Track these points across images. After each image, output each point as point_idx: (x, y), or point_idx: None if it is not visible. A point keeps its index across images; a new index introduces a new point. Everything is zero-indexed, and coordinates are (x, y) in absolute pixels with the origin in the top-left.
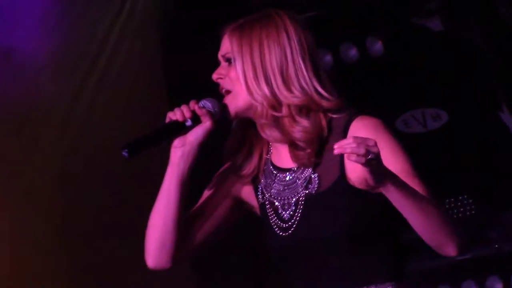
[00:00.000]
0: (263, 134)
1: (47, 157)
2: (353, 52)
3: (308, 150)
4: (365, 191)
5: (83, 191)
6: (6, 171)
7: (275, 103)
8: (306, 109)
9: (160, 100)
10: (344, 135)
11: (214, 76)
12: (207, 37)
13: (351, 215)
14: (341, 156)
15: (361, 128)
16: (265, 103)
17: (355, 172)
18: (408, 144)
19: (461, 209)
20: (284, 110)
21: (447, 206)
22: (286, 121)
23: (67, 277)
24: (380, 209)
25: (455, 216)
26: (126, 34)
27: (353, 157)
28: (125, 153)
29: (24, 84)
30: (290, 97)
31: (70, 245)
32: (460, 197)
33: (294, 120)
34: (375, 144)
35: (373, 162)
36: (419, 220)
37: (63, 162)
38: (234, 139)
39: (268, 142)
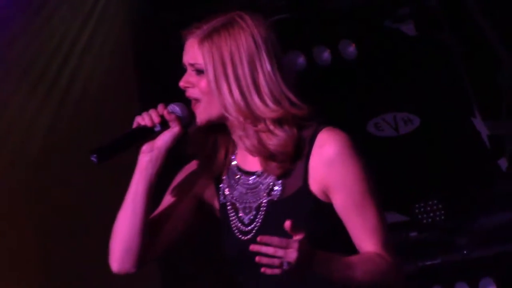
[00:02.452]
0: (242, 144)
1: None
2: (326, 54)
3: (281, 161)
4: (325, 200)
5: (53, 189)
6: None
7: (251, 117)
8: (280, 120)
9: (131, 100)
10: (310, 145)
11: (181, 84)
12: (178, 38)
13: (311, 224)
14: (305, 165)
15: (326, 142)
16: (241, 117)
17: (317, 184)
18: (379, 148)
19: (431, 214)
20: (260, 124)
21: (416, 210)
22: (263, 134)
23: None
24: (340, 219)
25: (424, 222)
26: (97, 33)
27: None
28: (93, 159)
29: None
30: (266, 112)
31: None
32: (430, 202)
33: (272, 133)
34: (295, 249)
35: (288, 270)
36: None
37: (32, 159)
38: (198, 135)
39: (233, 142)
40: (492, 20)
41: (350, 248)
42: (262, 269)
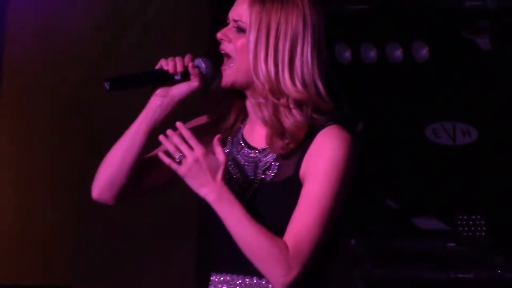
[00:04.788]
0: (256, 112)
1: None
2: (398, 53)
3: (288, 142)
4: None
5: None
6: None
7: (276, 90)
8: (301, 103)
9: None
10: (312, 138)
11: (219, 36)
12: None
13: (291, 211)
14: (301, 156)
15: (324, 136)
16: (266, 86)
17: (303, 174)
18: (433, 153)
19: (472, 228)
20: (283, 99)
21: (458, 222)
22: (282, 109)
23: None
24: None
25: (464, 234)
26: None
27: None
28: (106, 85)
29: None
30: (292, 90)
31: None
32: (473, 216)
33: (290, 112)
34: (193, 149)
35: (179, 167)
36: (238, 242)
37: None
38: (217, 93)
39: (245, 112)
40: None
41: (331, 244)
42: (160, 154)
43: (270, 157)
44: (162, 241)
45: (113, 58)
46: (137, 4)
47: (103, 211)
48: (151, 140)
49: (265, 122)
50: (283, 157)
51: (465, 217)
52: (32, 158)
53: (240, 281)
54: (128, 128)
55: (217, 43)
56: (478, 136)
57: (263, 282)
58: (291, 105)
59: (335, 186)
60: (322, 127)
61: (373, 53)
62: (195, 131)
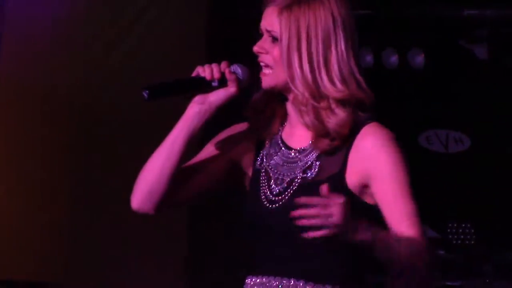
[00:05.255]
0: (300, 119)
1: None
2: (394, 58)
3: (333, 139)
4: (356, 195)
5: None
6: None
7: (316, 94)
8: (345, 101)
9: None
10: (354, 135)
11: (255, 49)
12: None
13: None
14: (345, 155)
15: (370, 135)
16: (306, 93)
17: (354, 176)
18: (425, 160)
19: (462, 236)
20: (323, 102)
21: (448, 230)
22: (324, 111)
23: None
24: (363, 217)
25: (454, 242)
26: None
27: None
28: (145, 94)
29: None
30: (332, 91)
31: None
32: (463, 225)
33: (332, 112)
34: (339, 206)
35: (332, 231)
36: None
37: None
38: (261, 98)
39: (285, 114)
40: None
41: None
42: (307, 234)
43: (310, 157)
44: (152, 242)
45: (109, 62)
46: (136, 7)
47: (97, 211)
48: (190, 148)
49: (308, 127)
50: (325, 156)
51: (455, 225)
52: (26, 158)
53: (277, 282)
54: (166, 137)
55: (218, 46)
56: (471, 145)
57: (301, 284)
58: (333, 105)
59: (406, 170)
60: (363, 124)
61: (369, 58)
62: (233, 138)
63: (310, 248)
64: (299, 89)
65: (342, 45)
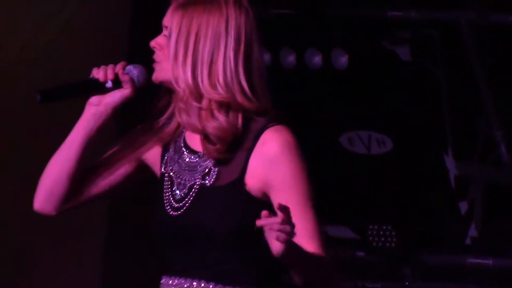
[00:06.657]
0: (177, 117)
1: None
2: (317, 59)
3: (218, 146)
4: (258, 198)
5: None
6: None
7: (196, 94)
8: (227, 105)
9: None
10: (254, 140)
11: (151, 44)
12: None
13: (238, 217)
14: (246, 159)
15: (270, 142)
16: (186, 91)
17: (255, 181)
18: (346, 162)
19: (382, 239)
20: (204, 103)
21: (369, 232)
22: (204, 113)
23: None
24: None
25: (374, 244)
26: None
27: (282, 235)
28: (38, 96)
29: None
30: (212, 92)
31: None
32: (384, 227)
33: (212, 115)
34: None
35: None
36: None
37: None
38: (163, 99)
39: None
40: (485, 64)
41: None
42: (276, 235)
43: (209, 162)
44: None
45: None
46: (55, 4)
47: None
48: (91, 149)
49: (188, 127)
50: (223, 162)
51: (376, 227)
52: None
53: (187, 284)
54: (66, 138)
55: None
56: (393, 147)
57: (210, 286)
58: (213, 107)
59: (308, 182)
60: (263, 128)
61: (291, 58)
62: (139, 139)
63: (217, 251)
64: (180, 86)
65: (231, 51)
